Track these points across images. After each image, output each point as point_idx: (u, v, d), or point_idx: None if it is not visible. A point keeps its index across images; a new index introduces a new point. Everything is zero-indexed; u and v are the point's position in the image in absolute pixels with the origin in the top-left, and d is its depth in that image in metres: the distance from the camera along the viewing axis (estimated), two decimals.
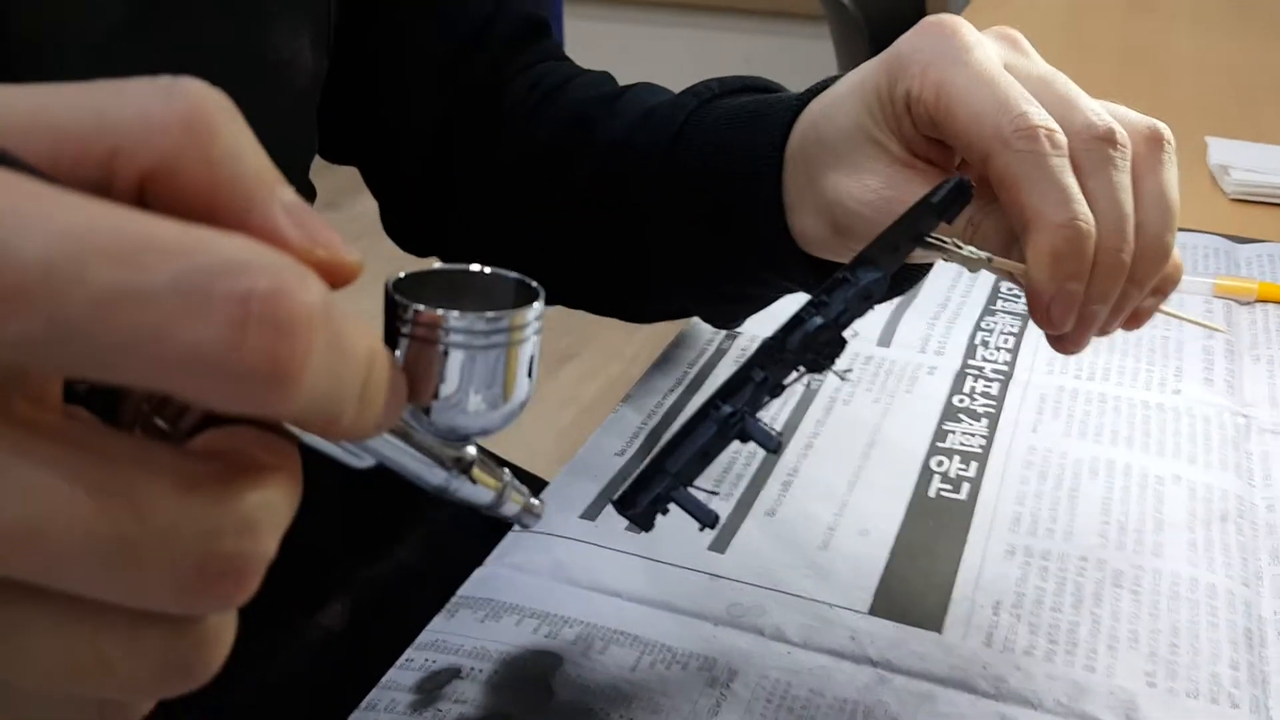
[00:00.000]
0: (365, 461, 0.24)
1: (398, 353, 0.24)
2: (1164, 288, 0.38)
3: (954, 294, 0.67)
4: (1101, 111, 0.36)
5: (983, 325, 0.63)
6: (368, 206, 0.63)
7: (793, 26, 2.69)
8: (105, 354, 0.16)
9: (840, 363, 0.51)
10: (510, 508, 0.28)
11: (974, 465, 0.51)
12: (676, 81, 0.54)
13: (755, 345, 0.34)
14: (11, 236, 0.16)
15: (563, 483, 0.50)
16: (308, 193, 0.56)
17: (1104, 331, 0.38)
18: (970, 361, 0.60)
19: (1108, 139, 0.35)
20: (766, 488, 0.50)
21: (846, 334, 0.31)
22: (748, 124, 0.45)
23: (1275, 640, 0.42)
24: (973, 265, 0.34)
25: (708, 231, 0.48)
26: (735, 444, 0.33)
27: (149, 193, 0.19)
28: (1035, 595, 0.44)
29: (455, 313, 0.24)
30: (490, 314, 0.24)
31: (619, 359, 2.17)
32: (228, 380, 0.17)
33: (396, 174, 0.62)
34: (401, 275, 0.25)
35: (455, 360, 0.24)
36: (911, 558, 0.46)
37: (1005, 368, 0.59)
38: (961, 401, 0.56)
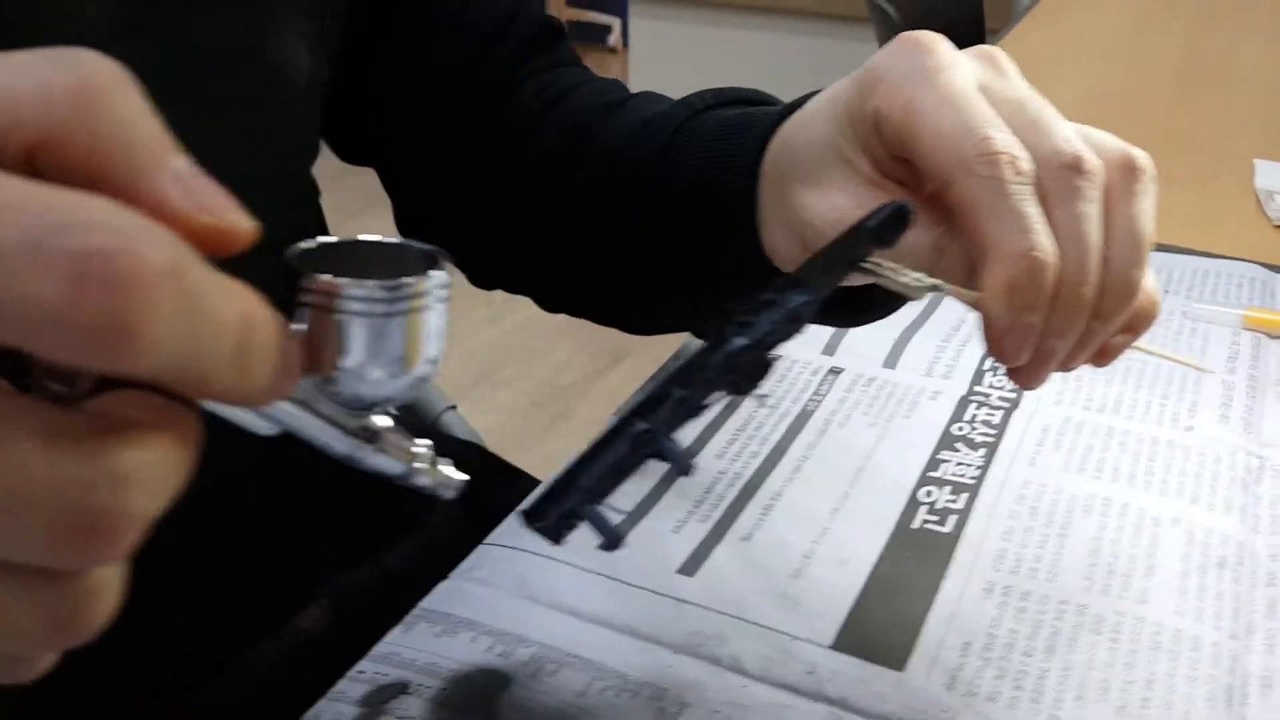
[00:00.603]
0: (270, 428, 0.25)
1: (301, 323, 0.24)
2: (1136, 325, 0.36)
3: (970, 316, 0.65)
4: (1073, 138, 0.34)
5: None
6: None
7: (855, 30, 2.66)
8: None
9: (817, 385, 0.50)
10: (423, 480, 0.28)
11: (964, 497, 0.50)
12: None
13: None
14: None
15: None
16: (306, 190, 0.57)
17: (1066, 367, 0.36)
18: (976, 388, 0.58)
19: (1075, 167, 0.34)
20: (746, 511, 0.49)
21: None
22: (731, 137, 0.44)
23: (1259, 699, 0.40)
24: (914, 293, 0.32)
25: (690, 244, 0.47)
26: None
27: (39, 162, 0.20)
28: (1008, 638, 0.42)
29: (353, 281, 0.24)
30: (388, 282, 0.24)
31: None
32: (68, 335, 0.18)
33: (409, 177, 0.62)
34: (307, 246, 0.26)
35: (355, 329, 0.24)
36: (885, 591, 0.44)
37: (1012, 394, 0.58)
38: (961, 430, 0.55)
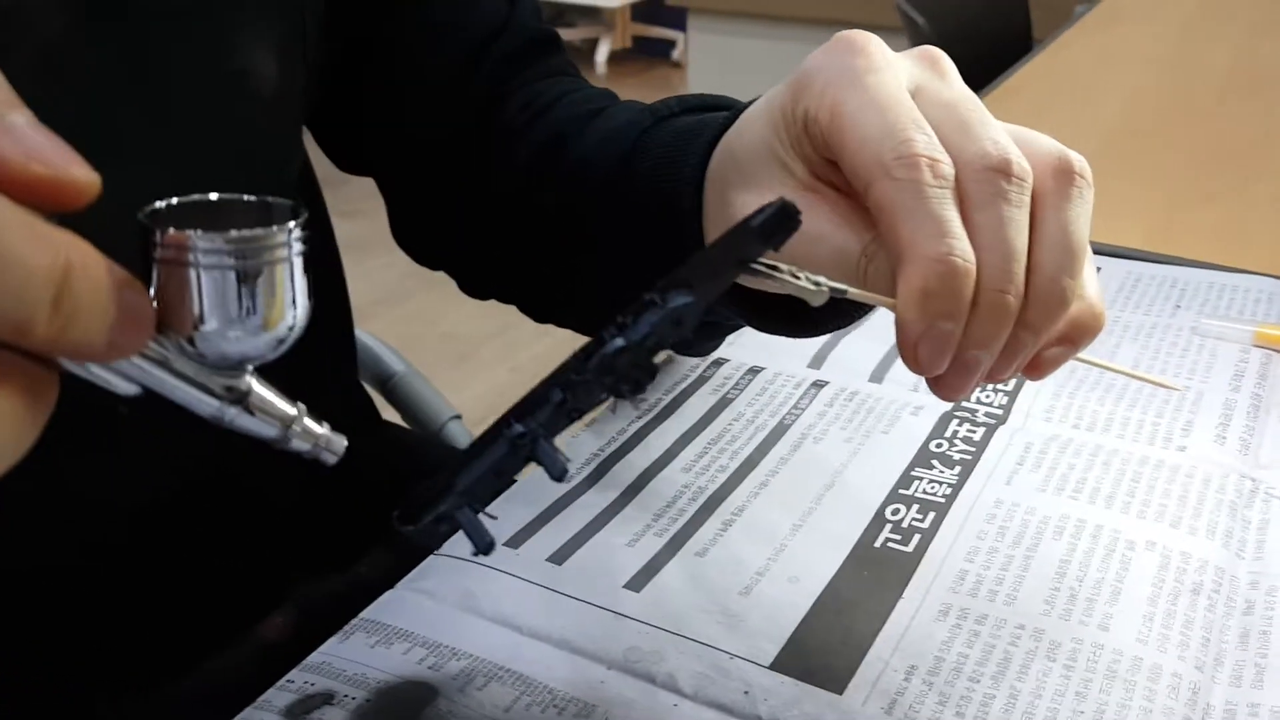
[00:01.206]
0: (131, 389, 0.25)
1: (153, 283, 0.24)
2: (1075, 337, 0.34)
3: None
4: (1001, 141, 0.33)
5: None
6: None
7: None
8: None
9: (798, 398, 0.48)
10: (300, 444, 0.27)
11: (932, 516, 0.48)
12: None
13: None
14: None
15: (497, 507, 0.49)
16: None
17: (995, 379, 0.35)
18: (963, 403, 0.56)
19: (1001, 170, 0.32)
20: (705, 526, 0.48)
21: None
22: (682, 144, 0.44)
23: None
24: (813, 296, 0.31)
25: (646, 253, 0.46)
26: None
27: None
28: (956, 662, 0.40)
29: (202, 233, 0.24)
30: (239, 234, 0.24)
31: None
32: None
33: (400, 186, 0.62)
34: (160, 205, 0.26)
35: (207, 282, 0.24)
36: (835, 611, 0.43)
37: (999, 411, 0.56)
38: (939, 446, 0.53)
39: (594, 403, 0.29)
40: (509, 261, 0.58)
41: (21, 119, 0.21)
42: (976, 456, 0.52)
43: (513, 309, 0.61)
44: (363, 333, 0.85)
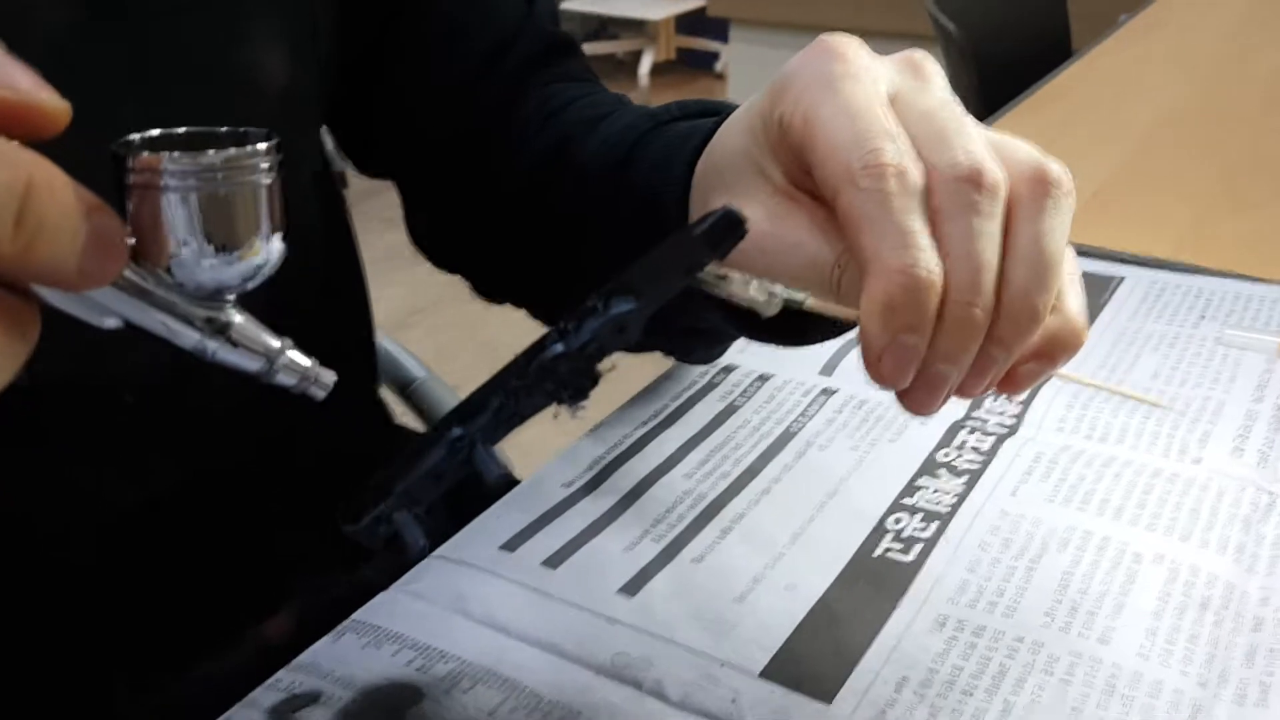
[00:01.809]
0: (113, 321, 0.25)
1: (128, 212, 0.24)
2: (1052, 352, 0.33)
3: None
4: (976, 150, 0.32)
5: None
6: None
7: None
8: None
9: (806, 405, 0.47)
10: (285, 378, 0.27)
11: (934, 526, 0.47)
12: None
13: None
14: None
15: (496, 510, 0.49)
16: (307, 206, 0.57)
17: (966, 394, 0.34)
18: (974, 413, 0.55)
19: (971, 180, 0.31)
20: (703, 533, 0.47)
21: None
22: (672, 152, 0.43)
23: None
24: (764, 307, 0.31)
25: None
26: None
27: None
28: (949, 674, 0.40)
29: (171, 155, 0.24)
30: (208, 154, 0.24)
31: None
32: None
33: (415, 189, 0.62)
34: (136, 137, 0.26)
35: (179, 205, 0.24)
36: (830, 620, 0.42)
37: (1012, 420, 0.55)
38: (946, 456, 0.52)
39: (536, 408, 0.29)
40: (520, 264, 0.58)
41: None
42: (984, 466, 0.51)
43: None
44: (386, 339, 0.85)
